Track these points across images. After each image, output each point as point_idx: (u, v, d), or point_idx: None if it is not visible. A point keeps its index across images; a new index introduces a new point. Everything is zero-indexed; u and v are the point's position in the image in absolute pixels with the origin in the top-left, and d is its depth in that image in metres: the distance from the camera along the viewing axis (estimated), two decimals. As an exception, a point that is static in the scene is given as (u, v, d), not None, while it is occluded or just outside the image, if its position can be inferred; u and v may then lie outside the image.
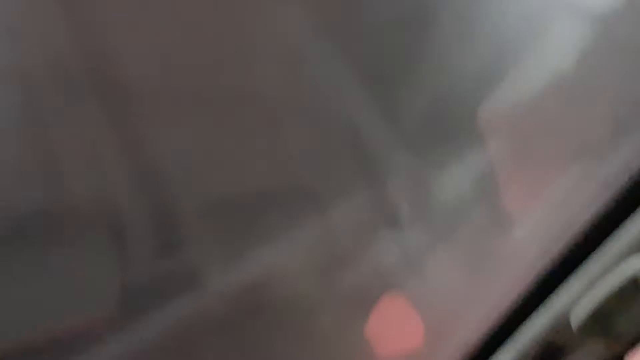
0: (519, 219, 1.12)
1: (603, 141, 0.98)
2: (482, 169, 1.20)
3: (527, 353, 1.18)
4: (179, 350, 1.25)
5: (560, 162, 1.04)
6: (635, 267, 0.98)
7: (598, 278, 1.04)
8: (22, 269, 1.09)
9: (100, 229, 1.18)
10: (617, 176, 0.95)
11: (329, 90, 1.29)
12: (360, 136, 1.27)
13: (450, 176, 1.22)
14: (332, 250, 1.29)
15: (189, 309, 1.24)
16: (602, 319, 1.10)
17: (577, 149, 1.01)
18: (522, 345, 1.18)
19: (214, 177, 1.21)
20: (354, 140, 1.26)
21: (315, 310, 1.30)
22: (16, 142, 1.14)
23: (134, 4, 1.29)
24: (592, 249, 1.05)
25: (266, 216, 1.25)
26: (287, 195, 1.26)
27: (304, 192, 1.28)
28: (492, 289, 1.22)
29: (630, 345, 1.13)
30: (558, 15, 1.11)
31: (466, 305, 1.25)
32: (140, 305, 1.23)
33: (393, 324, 1.33)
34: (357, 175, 1.27)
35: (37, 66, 1.18)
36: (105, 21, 1.30)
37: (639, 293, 1.02)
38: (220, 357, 1.31)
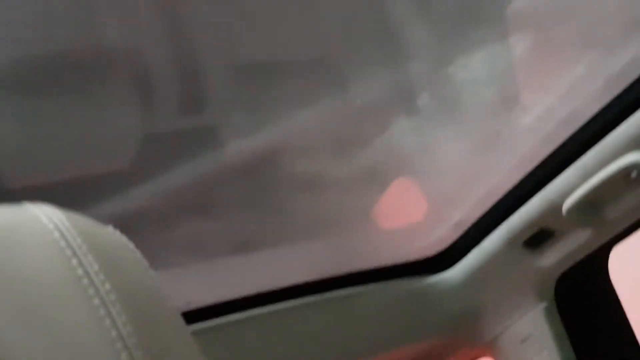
0: (528, 107, 1.16)
1: (613, 37, 1.00)
2: (500, 58, 1.22)
3: (519, 235, 1.24)
4: (194, 202, 1.31)
5: (570, 54, 1.06)
6: (628, 161, 1.02)
7: (594, 171, 1.08)
8: (42, 110, 1.12)
9: (126, 79, 1.21)
10: (622, 74, 0.97)
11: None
12: (387, 13, 1.29)
13: (470, 63, 1.25)
14: (348, 127, 1.33)
15: (207, 166, 1.29)
16: (592, 208, 1.15)
17: (587, 42, 1.03)
18: (516, 228, 1.23)
19: (241, 40, 1.24)
20: (380, 16, 1.28)
21: (327, 185, 1.35)
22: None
23: None
24: (591, 143, 1.08)
25: (288, 85, 1.28)
26: (309, 66, 1.29)
27: (326, 65, 1.31)
28: (493, 173, 1.26)
29: (617, 235, 1.19)
30: None
31: (467, 187, 1.30)
32: (160, 158, 1.28)
33: (398, 201, 1.39)
34: (380, 52, 1.30)
35: None
36: None
37: (629, 186, 1.07)
38: (234, 214, 1.37)
